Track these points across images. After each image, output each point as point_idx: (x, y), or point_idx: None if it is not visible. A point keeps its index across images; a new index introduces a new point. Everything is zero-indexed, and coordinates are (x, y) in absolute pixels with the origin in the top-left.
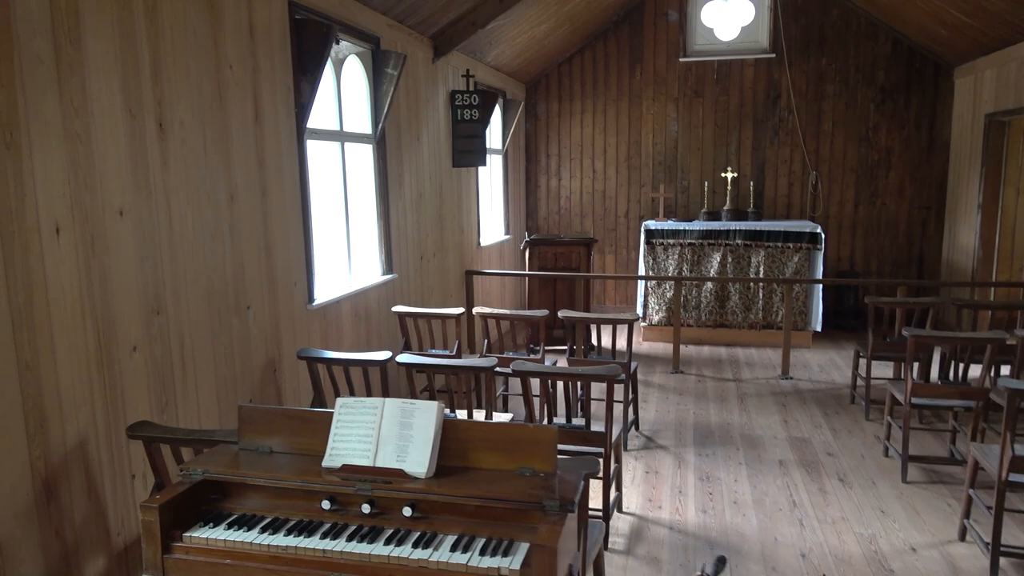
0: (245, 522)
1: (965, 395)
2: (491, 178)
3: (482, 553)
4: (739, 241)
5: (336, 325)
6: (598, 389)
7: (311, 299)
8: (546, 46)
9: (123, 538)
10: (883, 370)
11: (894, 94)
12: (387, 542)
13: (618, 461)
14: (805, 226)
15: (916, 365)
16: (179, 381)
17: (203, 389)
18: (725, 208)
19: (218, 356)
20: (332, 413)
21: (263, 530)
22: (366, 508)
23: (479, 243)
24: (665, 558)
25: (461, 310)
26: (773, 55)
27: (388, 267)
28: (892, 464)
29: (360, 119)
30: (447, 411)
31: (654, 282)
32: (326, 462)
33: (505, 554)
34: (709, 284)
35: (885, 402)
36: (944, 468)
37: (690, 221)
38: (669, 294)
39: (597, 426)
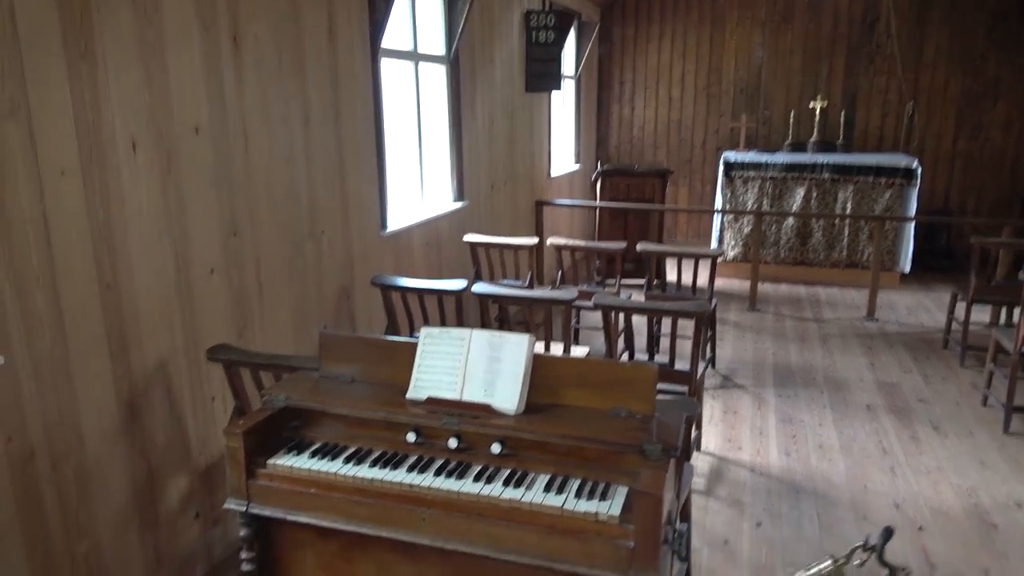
0: (328, 451)
1: None
2: (562, 106)
3: (577, 495)
4: (826, 175)
5: (408, 253)
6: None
7: (384, 226)
8: None
9: (204, 459)
10: (980, 315)
11: (1007, 19)
12: (476, 479)
13: (699, 400)
14: (900, 160)
15: (1008, 313)
16: (256, 305)
17: (279, 314)
18: (811, 140)
19: (293, 281)
20: (416, 343)
21: (347, 460)
22: (452, 443)
23: (549, 173)
24: (747, 501)
25: (535, 240)
26: None
27: (459, 195)
28: (992, 414)
29: (433, 39)
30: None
31: (731, 216)
32: (410, 394)
33: (602, 497)
34: (790, 220)
35: (988, 349)
36: None
37: (772, 153)
38: (747, 229)
39: (679, 364)
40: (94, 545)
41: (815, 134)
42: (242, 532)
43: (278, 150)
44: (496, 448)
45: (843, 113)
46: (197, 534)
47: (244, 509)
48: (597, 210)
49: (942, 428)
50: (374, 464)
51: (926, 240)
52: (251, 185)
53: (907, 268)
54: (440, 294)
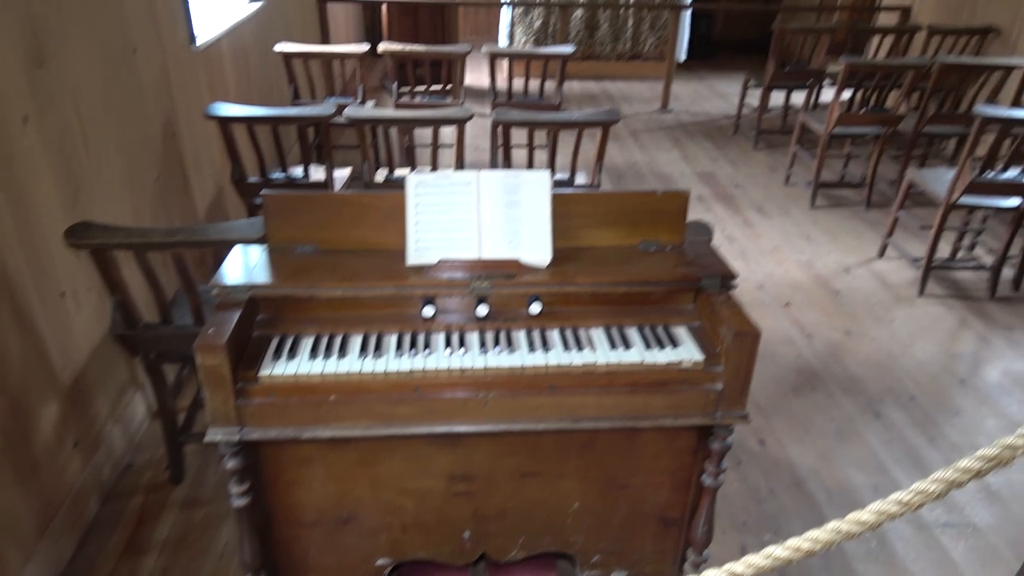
0: (330, 346)
1: (883, 122)
2: None
3: (647, 345)
4: None
5: (219, 72)
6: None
7: (192, 39)
8: None
9: (69, 372)
10: (754, 99)
11: None
12: (531, 348)
13: None
14: None
15: (807, 97)
16: (84, 161)
17: (110, 166)
18: None
19: (116, 122)
20: (401, 196)
21: (362, 353)
22: (482, 310)
23: None
24: None
25: (365, 47)
26: None
27: None
28: (796, 192)
29: None
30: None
31: (520, 10)
32: (413, 259)
33: (672, 343)
34: (579, 12)
35: (788, 131)
36: (838, 192)
37: None
38: (537, 23)
39: (580, 178)
40: None
41: None
42: (230, 464)
43: None
44: (535, 308)
45: None
46: (81, 465)
47: (237, 438)
48: (384, 6)
49: (764, 210)
50: (400, 353)
51: (690, 30)
52: None
53: (683, 57)
54: (301, 123)
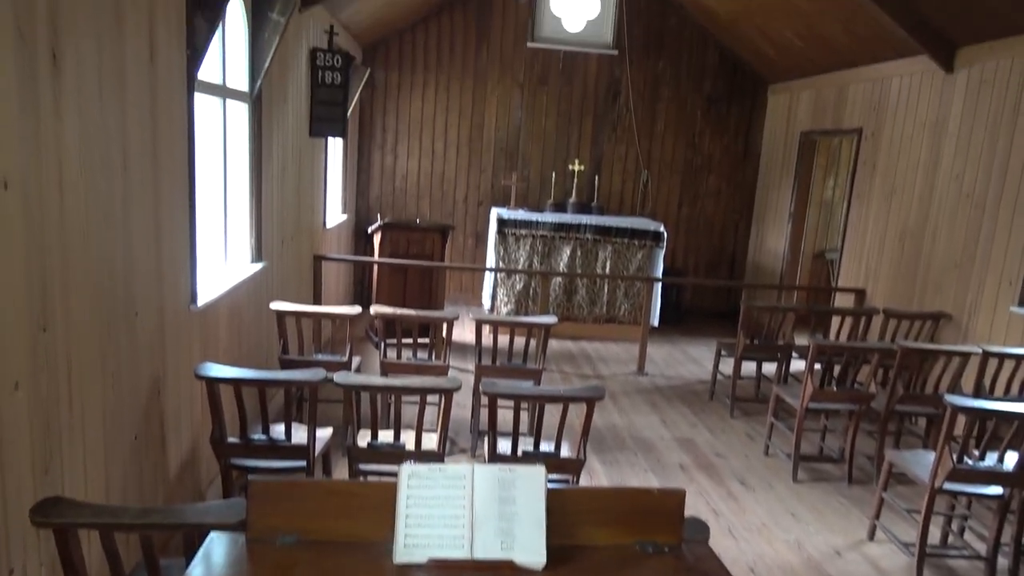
0: None
1: (854, 399)
2: (331, 152)
3: None
4: (588, 235)
5: (214, 330)
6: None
7: (194, 299)
8: (390, 9)
9: None
10: (726, 367)
11: (718, 103)
12: None
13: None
14: (650, 224)
15: (777, 370)
16: (66, 424)
17: (90, 430)
18: (571, 201)
19: (106, 383)
20: (392, 485)
21: None
22: None
23: (325, 224)
24: None
25: (358, 309)
26: (615, 52)
27: (258, 254)
28: (777, 463)
29: (234, 72)
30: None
31: (503, 273)
32: (400, 557)
33: None
34: (558, 277)
35: (762, 401)
36: (818, 465)
37: (535, 211)
38: (519, 286)
39: (565, 450)
40: None
41: (574, 195)
42: None
43: (96, 204)
44: None
45: (597, 176)
46: None
47: None
48: (375, 266)
49: (747, 482)
50: None
51: (661, 298)
52: (67, 256)
53: (656, 323)
54: (290, 386)
